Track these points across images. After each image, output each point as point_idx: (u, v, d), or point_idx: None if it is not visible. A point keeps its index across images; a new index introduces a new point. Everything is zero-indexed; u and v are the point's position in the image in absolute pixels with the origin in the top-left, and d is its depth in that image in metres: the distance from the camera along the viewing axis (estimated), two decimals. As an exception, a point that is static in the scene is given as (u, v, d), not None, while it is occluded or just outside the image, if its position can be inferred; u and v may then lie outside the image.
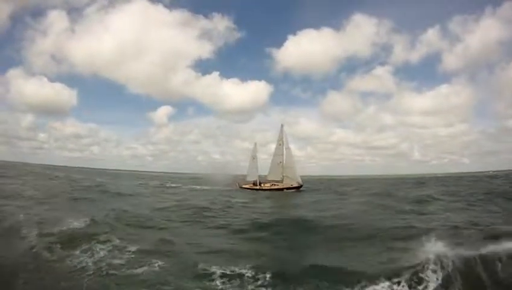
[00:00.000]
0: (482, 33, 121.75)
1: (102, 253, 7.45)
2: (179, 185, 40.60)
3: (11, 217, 10.64)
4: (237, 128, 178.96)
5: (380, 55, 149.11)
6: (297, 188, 35.61)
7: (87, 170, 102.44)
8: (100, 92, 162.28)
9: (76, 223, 9.87)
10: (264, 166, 39.83)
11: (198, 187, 36.85)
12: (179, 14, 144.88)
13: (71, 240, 8.24)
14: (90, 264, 6.82)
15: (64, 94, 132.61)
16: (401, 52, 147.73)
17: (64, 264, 6.83)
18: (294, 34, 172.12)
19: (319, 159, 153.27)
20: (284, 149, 37.24)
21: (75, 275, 6.25)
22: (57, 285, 5.82)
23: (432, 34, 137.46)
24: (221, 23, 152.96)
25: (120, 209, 13.53)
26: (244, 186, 36.88)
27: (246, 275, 6.32)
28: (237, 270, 6.46)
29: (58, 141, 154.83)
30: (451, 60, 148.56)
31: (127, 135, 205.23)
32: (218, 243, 9.03)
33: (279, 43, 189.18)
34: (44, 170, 53.23)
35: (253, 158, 39.64)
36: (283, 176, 36.75)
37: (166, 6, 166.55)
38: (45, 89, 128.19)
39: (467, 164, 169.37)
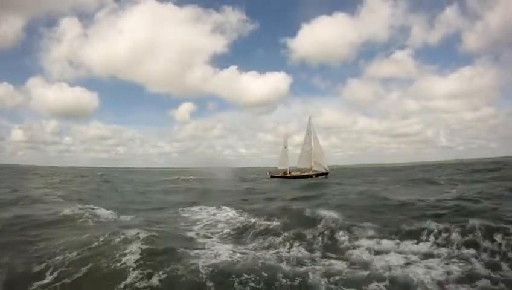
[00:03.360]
0: (502, 10, 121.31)
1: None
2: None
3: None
4: (259, 121, 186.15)
5: (398, 38, 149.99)
6: (325, 174, 38.37)
7: (121, 169, 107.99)
8: (120, 94, 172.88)
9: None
10: (289, 156, 42.87)
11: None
12: (189, 10, 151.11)
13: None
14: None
15: (85, 98, 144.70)
16: (419, 33, 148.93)
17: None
18: (308, 22, 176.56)
19: (345, 149, 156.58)
20: (312, 138, 40.04)
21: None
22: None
23: (450, 13, 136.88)
24: (232, 16, 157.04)
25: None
26: (275, 175, 39.88)
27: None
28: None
29: (84, 144, 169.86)
30: (472, 40, 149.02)
31: (151, 133, 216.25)
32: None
33: (293, 32, 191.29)
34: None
35: (284, 147, 42.76)
36: (312, 163, 39.53)
37: (175, 4, 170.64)
38: (66, 94, 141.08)
39: (495, 148, 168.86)
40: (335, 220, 8.26)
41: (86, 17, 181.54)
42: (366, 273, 5.34)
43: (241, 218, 9.72)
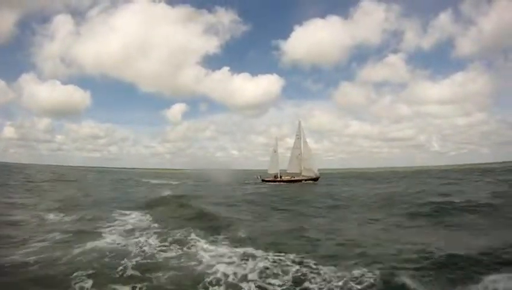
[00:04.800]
0: (496, 15, 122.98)
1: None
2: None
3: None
4: (251, 124, 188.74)
5: (391, 43, 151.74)
6: (315, 179, 39.86)
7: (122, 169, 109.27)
8: (113, 92, 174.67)
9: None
10: (281, 159, 44.31)
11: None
12: (182, 10, 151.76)
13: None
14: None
15: (77, 96, 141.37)
16: (412, 38, 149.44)
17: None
18: (301, 24, 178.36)
19: (336, 152, 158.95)
20: (302, 142, 41.46)
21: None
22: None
23: (443, 18, 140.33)
24: (225, 17, 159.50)
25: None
26: (266, 179, 41.17)
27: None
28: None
29: (76, 142, 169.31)
30: (465, 45, 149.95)
31: (143, 133, 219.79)
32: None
33: (286, 34, 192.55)
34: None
35: (274, 152, 44.03)
36: (302, 168, 40.96)
37: (168, 3, 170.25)
38: (58, 92, 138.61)
39: (487, 154, 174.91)
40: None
41: (78, 15, 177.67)
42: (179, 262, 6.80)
43: (147, 221, 11.44)
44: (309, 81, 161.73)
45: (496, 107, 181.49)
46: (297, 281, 5.62)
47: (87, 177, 42.65)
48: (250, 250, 7.34)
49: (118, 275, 6.03)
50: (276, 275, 5.85)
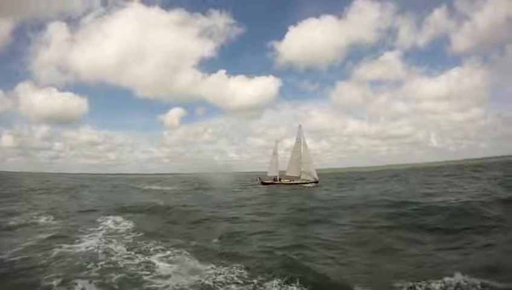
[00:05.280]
0: (490, 10, 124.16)
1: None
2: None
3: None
4: (249, 126, 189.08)
5: (385, 41, 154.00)
6: (315, 183, 40.00)
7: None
8: (110, 99, 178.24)
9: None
10: (280, 161, 44.74)
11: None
12: (176, 14, 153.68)
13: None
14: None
15: (74, 103, 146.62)
16: (407, 35, 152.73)
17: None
18: (295, 24, 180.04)
19: (335, 152, 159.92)
20: (302, 146, 41.69)
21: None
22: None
23: (438, 14, 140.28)
24: (220, 20, 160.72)
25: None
26: (265, 181, 41.59)
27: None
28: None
29: (75, 149, 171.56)
30: (460, 41, 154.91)
31: (141, 138, 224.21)
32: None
33: (281, 35, 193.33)
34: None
35: (274, 154, 44.41)
36: (301, 171, 41.21)
37: (162, 7, 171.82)
38: (55, 99, 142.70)
39: (485, 149, 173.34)
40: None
41: (73, 22, 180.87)
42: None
43: (125, 229, 11.93)
44: (305, 81, 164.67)
45: (492, 101, 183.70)
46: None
47: (82, 185, 43.58)
48: (204, 264, 7.57)
49: (81, 276, 6.68)
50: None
